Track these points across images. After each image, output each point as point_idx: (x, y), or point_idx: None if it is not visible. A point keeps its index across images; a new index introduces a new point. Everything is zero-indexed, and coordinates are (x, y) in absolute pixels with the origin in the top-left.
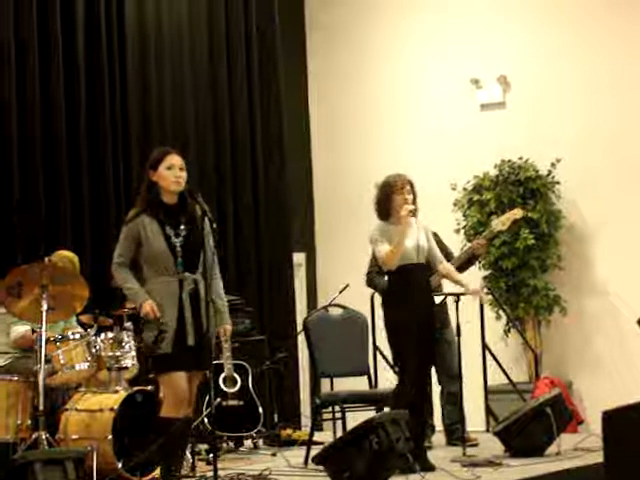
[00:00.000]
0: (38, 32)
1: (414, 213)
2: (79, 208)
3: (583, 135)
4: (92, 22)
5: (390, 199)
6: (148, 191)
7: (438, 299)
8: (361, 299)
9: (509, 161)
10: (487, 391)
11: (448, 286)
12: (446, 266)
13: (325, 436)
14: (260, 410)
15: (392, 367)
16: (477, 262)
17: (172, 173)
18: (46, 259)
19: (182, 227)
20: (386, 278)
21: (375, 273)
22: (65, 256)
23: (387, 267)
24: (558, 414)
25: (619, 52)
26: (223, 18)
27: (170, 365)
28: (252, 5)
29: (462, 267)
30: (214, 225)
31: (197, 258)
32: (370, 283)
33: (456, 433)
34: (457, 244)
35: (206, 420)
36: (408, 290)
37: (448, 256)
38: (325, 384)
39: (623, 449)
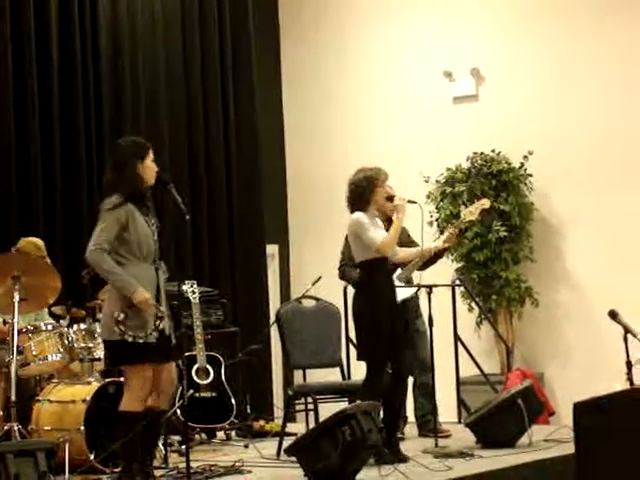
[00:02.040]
0: (11, 26)
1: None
2: (51, 200)
3: (555, 128)
4: (65, 15)
5: (373, 191)
6: (135, 181)
7: (412, 291)
8: (334, 291)
9: (481, 154)
10: (459, 382)
11: (419, 278)
12: (400, 255)
13: (298, 427)
14: (233, 402)
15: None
16: (447, 255)
17: (153, 167)
18: (12, 249)
19: (151, 216)
20: (358, 270)
21: (348, 266)
22: (29, 241)
23: (382, 254)
24: (529, 405)
25: (593, 46)
26: (197, 11)
27: (148, 356)
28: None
29: (432, 259)
30: (187, 216)
31: (161, 248)
32: (343, 276)
33: (428, 424)
34: (430, 236)
35: (179, 412)
36: (380, 281)
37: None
38: (298, 376)
39: (594, 440)
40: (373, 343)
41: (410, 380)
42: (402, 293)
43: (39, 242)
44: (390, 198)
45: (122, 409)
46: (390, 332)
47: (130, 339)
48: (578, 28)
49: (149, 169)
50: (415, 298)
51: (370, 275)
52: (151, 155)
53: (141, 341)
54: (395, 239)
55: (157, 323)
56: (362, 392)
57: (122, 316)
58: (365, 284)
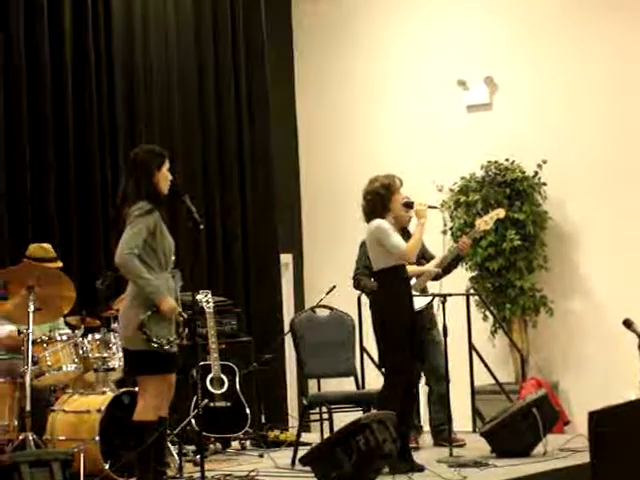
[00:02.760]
0: (25, 29)
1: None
2: (66, 210)
3: (569, 136)
4: (79, 21)
5: (391, 199)
6: (157, 188)
7: (425, 300)
8: (348, 300)
9: (495, 162)
10: (474, 392)
11: (434, 287)
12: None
13: (312, 437)
14: (247, 411)
15: (379, 368)
16: (462, 263)
17: (168, 176)
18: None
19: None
20: (373, 279)
21: (362, 275)
22: (37, 246)
23: (406, 260)
24: (544, 415)
25: (605, 53)
26: (210, 17)
27: (169, 366)
28: (239, 4)
29: (447, 268)
30: (201, 226)
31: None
32: (358, 285)
33: (443, 434)
34: (444, 245)
35: (193, 421)
36: (401, 289)
37: (431, 259)
38: (312, 385)
39: (609, 449)
40: (394, 351)
41: (425, 390)
42: (417, 303)
43: (46, 245)
44: (408, 205)
45: (136, 419)
46: (409, 340)
47: (155, 345)
48: (592, 35)
49: (164, 178)
50: (430, 308)
51: (390, 283)
52: (167, 164)
53: (166, 347)
54: (419, 244)
55: (181, 330)
56: (379, 401)
57: (146, 320)
58: (385, 292)
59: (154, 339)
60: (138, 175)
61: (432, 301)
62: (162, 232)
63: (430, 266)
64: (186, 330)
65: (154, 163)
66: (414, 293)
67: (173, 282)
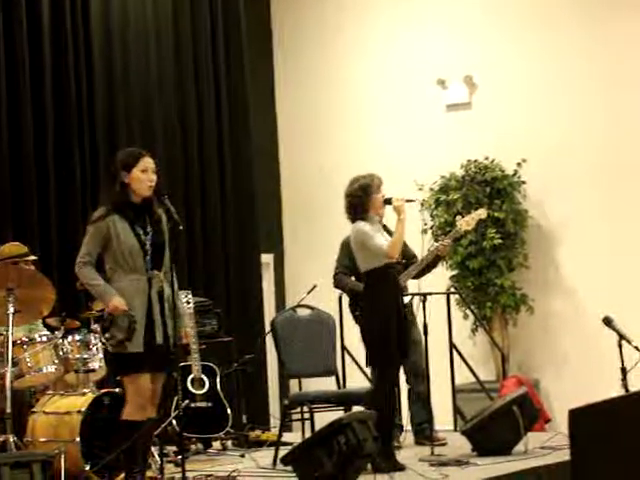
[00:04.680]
0: (4, 33)
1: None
2: (46, 211)
3: (548, 135)
4: (58, 19)
5: (369, 199)
6: (120, 192)
7: (406, 299)
8: (329, 300)
9: (475, 161)
10: (455, 390)
11: (414, 286)
12: None
13: (294, 437)
14: (228, 411)
15: (366, 366)
16: (443, 262)
17: (147, 177)
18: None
19: (148, 226)
20: (353, 278)
21: (342, 274)
22: (10, 245)
23: (389, 259)
24: (525, 413)
25: (585, 52)
26: (189, 16)
27: (138, 365)
28: (218, 2)
29: (427, 268)
30: (181, 227)
31: (162, 258)
32: (338, 284)
33: (424, 432)
34: (424, 245)
35: (174, 422)
36: (388, 289)
37: (411, 258)
38: (293, 385)
39: (589, 447)
40: (384, 351)
41: (405, 388)
42: None
43: (17, 243)
44: (387, 201)
45: (122, 418)
46: (398, 339)
47: (114, 346)
48: (572, 35)
49: (137, 180)
50: (409, 307)
51: (377, 284)
52: (142, 165)
53: (117, 348)
54: (401, 241)
55: (130, 327)
56: (374, 399)
57: (107, 324)
58: (372, 293)
59: (110, 341)
60: (105, 178)
61: (412, 300)
62: (119, 236)
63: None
64: (134, 326)
65: (126, 164)
66: None
67: (145, 284)
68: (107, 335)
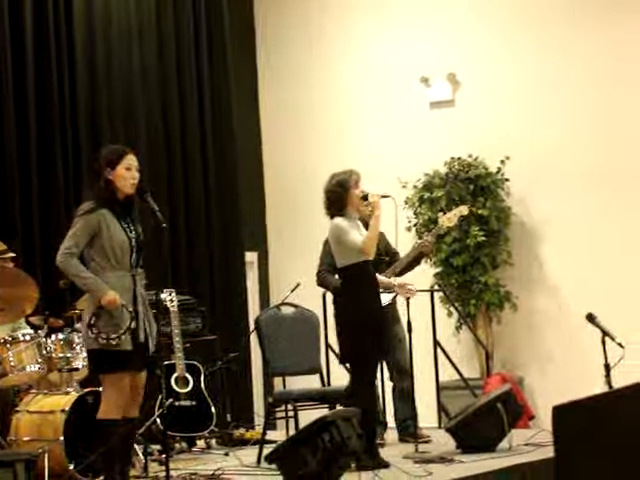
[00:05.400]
0: None
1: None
2: (28, 209)
3: (531, 133)
4: (40, 18)
5: (347, 194)
6: (105, 188)
7: (389, 296)
8: (313, 297)
9: (459, 159)
10: (439, 387)
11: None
12: None
13: (278, 435)
14: (212, 410)
15: (341, 364)
16: (426, 260)
17: (130, 175)
18: None
19: (131, 224)
20: (337, 276)
21: (326, 272)
22: None
23: (365, 254)
24: (509, 410)
25: (567, 50)
26: (172, 14)
27: (125, 364)
28: (201, 2)
29: (410, 265)
30: (164, 225)
31: (141, 255)
32: (322, 282)
33: (408, 429)
34: (408, 242)
35: (158, 420)
36: (364, 286)
37: (394, 255)
38: (278, 383)
39: (573, 443)
40: (359, 348)
41: (389, 385)
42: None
43: None
44: (365, 197)
45: (100, 417)
46: (375, 336)
47: (103, 342)
48: (556, 32)
49: (121, 177)
50: (393, 304)
51: (353, 280)
52: (126, 163)
53: (114, 343)
54: (375, 237)
55: (130, 324)
56: (350, 397)
57: (94, 319)
58: (348, 290)
59: (102, 335)
60: (93, 174)
61: (395, 297)
62: (109, 231)
63: (392, 279)
64: (133, 324)
65: (110, 160)
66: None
67: (132, 281)
68: (94, 330)
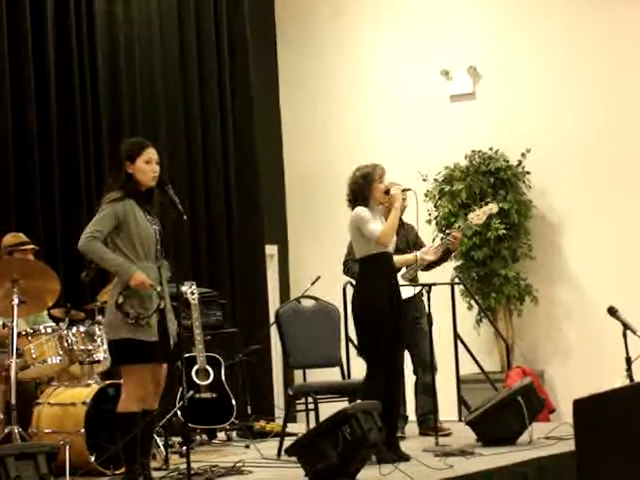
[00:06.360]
0: (8, 29)
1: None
2: (50, 203)
3: (552, 125)
4: (62, 19)
5: (370, 188)
6: (127, 181)
7: (413, 290)
8: (333, 290)
9: (479, 152)
10: (459, 381)
11: (422, 277)
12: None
13: (298, 427)
14: (233, 402)
15: (359, 356)
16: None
17: (150, 168)
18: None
19: (154, 216)
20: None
21: (352, 261)
22: (9, 236)
23: (382, 244)
24: (530, 403)
25: (590, 43)
26: (193, 16)
27: (149, 355)
28: (222, 3)
29: (437, 261)
30: (185, 217)
31: (164, 248)
32: (347, 271)
33: (429, 423)
34: (429, 235)
35: (179, 413)
36: (381, 277)
37: (420, 247)
38: (298, 375)
39: (594, 437)
40: (373, 340)
41: (412, 379)
42: (405, 292)
43: (18, 233)
44: (387, 192)
45: (120, 410)
46: (391, 329)
47: (132, 322)
48: (576, 24)
49: (141, 170)
50: (418, 297)
51: (370, 270)
52: (145, 156)
53: (142, 323)
54: (393, 229)
55: (159, 304)
56: (362, 392)
57: (121, 299)
58: (365, 279)
59: (131, 312)
60: (111, 168)
61: (422, 291)
62: (137, 221)
63: (410, 255)
64: (162, 303)
65: (130, 154)
66: (403, 283)
67: (157, 272)
68: (124, 309)
